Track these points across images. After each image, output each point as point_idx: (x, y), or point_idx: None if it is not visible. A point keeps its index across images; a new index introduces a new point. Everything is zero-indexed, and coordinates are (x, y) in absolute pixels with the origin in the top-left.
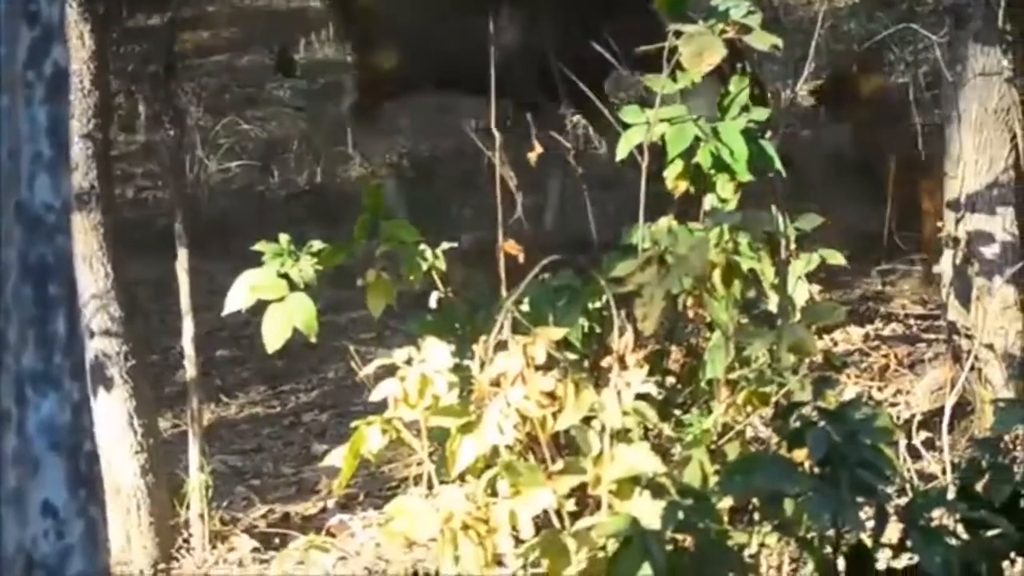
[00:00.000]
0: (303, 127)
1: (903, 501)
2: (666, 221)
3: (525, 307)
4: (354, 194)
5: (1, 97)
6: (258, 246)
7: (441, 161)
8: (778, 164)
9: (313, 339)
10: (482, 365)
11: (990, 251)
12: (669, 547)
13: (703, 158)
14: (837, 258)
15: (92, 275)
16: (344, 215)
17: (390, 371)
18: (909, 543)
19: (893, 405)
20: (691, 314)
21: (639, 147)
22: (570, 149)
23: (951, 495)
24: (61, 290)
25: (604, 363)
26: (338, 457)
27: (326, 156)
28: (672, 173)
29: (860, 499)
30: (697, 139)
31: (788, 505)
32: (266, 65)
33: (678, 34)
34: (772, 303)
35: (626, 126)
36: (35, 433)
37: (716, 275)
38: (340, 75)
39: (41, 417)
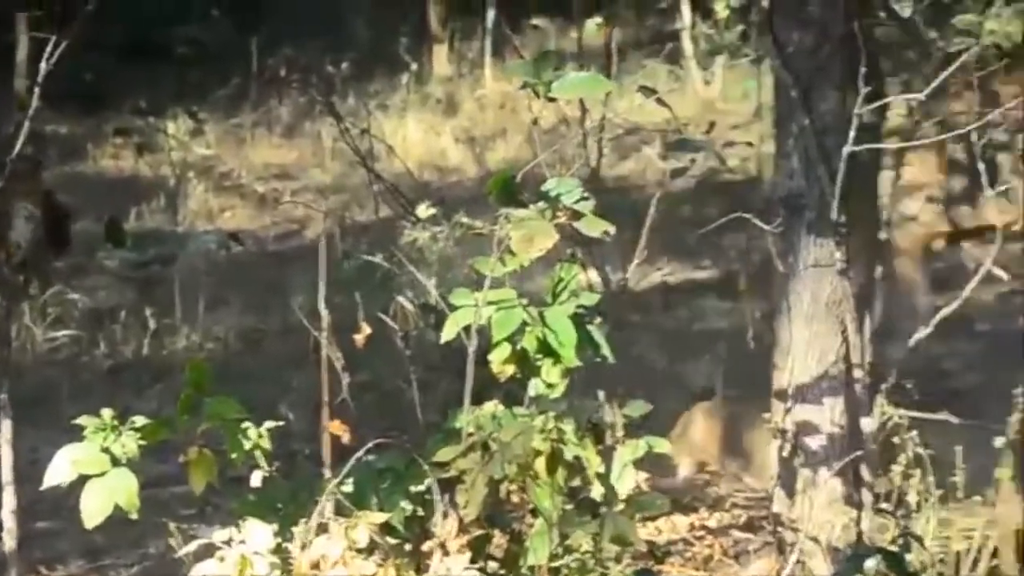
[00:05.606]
0: (131, 297)
1: None
2: (491, 406)
3: (348, 487)
4: (180, 366)
5: None
6: (80, 420)
7: (268, 336)
8: (606, 350)
9: (134, 516)
10: (303, 547)
11: (817, 443)
12: None
13: (529, 343)
14: (663, 446)
15: None
16: (170, 387)
17: (210, 549)
18: None
19: None
20: (516, 499)
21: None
22: (399, 330)
23: None
24: None
25: (426, 548)
26: None
27: (154, 327)
28: (498, 357)
29: None
30: (524, 323)
31: None
32: (96, 234)
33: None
34: (597, 491)
35: (454, 308)
36: None
37: (540, 462)
38: (169, 245)
39: None
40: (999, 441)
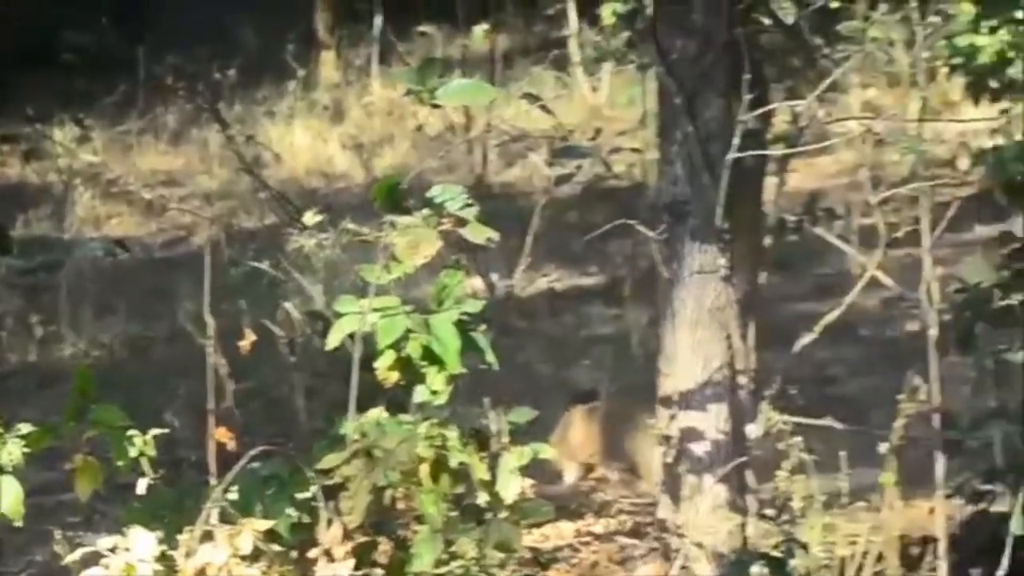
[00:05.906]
0: (18, 304)
1: None
2: (376, 413)
3: (233, 495)
4: (67, 373)
5: None
6: None
7: (155, 343)
8: (491, 357)
9: (19, 524)
10: (188, 554)
11: (702, 449)
12: None
13: (413, 350)
14: (549, 452)
15: None
16: (57, 394)
17: (96, 557)
18: None
19: None
20: (401, 506)
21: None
22: (285, 337)
23: None
24: None
25: (311, 555)
26: None
27: (40, 334)
28: (383, 364)
29: None
30: (409, 330)
31: None
32: None
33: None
34: (482, 497)
35: (339, 315)
36: None
37: (424, 469)
38: (56, 252)
39: None
40: (883, 447)
